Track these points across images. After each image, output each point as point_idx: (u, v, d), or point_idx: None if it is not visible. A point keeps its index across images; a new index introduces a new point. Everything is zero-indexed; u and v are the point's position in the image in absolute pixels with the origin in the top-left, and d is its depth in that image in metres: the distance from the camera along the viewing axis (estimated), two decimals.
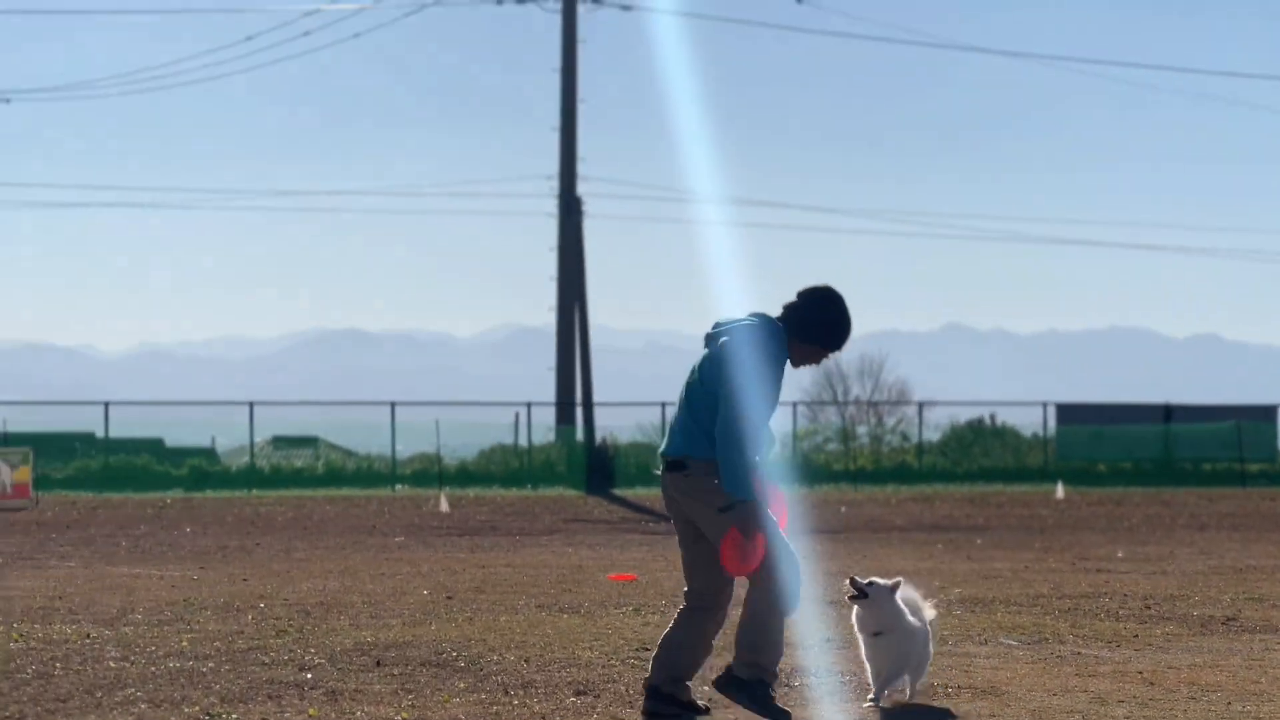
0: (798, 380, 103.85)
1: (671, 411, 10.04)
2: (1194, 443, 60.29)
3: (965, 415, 74.07)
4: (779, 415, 10.03)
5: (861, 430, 74.47)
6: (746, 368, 9.52)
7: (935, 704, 10.49)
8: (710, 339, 9.80)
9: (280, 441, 70.36)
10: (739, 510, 9.43)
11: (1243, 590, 18.04)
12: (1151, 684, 11.23)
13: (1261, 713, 10.03)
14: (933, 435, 64.53)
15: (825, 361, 10.05)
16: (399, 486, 54.35)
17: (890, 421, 77.69)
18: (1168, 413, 64.94)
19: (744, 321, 9.75)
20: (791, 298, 9.91)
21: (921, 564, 21.84)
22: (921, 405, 64.21)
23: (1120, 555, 23.65)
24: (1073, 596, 17.31)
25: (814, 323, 9.81)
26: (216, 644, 13.23)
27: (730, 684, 9.77)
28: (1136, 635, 13.97)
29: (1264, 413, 65.71)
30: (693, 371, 9.82)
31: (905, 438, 67.46)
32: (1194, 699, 10.61)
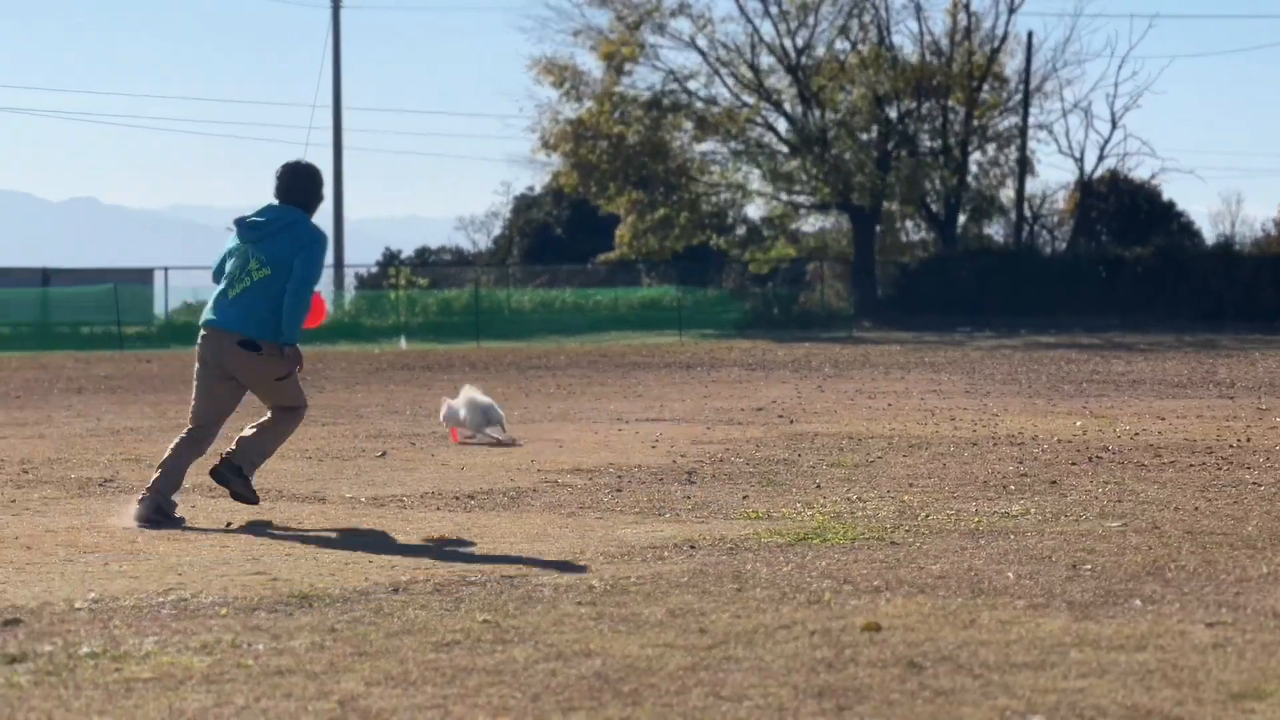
0: None
1: None
2: (72, 306, 60.23)
3: None
4: None
5: None
6: (317, 261, 12.40)
7: None
8: (255, 227, 12.35)
9: None
10: (292, 352, 12.39)
11: (120, 451, 18.25)
12: (29, 548, 11.21)
13: (138, 570, 10.21)
14: None
15: None
16: None
17: None
18: (45, 276, 64.61)
19: (296, 218, 12.39)
20: (274, 182, 12.58)
21: None
22: None
23: None
24: None
25: (313, 193, 12.64)
26: None
27: (230, 470, 12.47)
28: (14, 500, 13.89)
29: (141, 275, 66.34)
30: (251, 259, 12.31)
31: None
32: (71, 560, 10.66)
